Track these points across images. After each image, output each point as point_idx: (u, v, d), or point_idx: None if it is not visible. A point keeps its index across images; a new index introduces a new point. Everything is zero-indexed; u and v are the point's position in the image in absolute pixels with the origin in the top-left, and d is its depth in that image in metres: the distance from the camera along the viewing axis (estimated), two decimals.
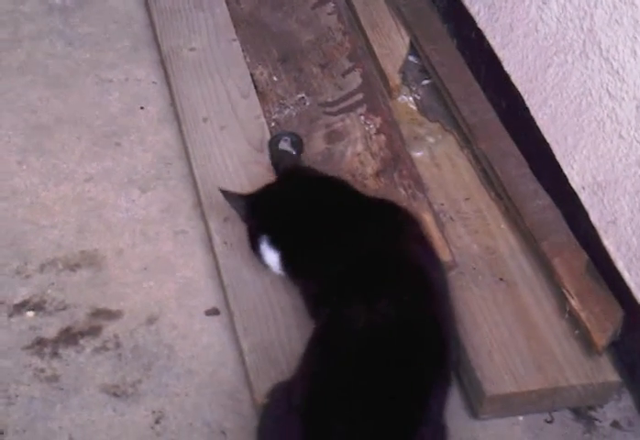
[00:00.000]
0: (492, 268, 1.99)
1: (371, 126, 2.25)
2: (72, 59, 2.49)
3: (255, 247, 1.90)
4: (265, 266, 1.91)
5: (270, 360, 1.82)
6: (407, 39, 2.47)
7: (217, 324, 1.94)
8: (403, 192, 2.09)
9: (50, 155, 2.24)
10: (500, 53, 2.23)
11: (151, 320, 1.94)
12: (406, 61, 2.44)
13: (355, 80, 2.38)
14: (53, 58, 2.49)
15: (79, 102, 2.38)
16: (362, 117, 2.28)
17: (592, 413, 1.86)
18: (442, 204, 2.11)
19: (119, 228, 2.10)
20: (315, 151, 2.21)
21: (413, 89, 2.40)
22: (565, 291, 1.90)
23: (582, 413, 1.85)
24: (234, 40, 2.48)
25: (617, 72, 1.82)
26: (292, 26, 2.54)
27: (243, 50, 2.46)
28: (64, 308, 1.94)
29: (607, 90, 1.86)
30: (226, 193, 1.94)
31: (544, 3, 2.04)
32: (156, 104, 2.39)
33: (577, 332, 1.87)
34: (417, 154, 2.23)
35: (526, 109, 2.12)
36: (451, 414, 1.82)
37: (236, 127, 2.25)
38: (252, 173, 2.15)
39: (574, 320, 1.88)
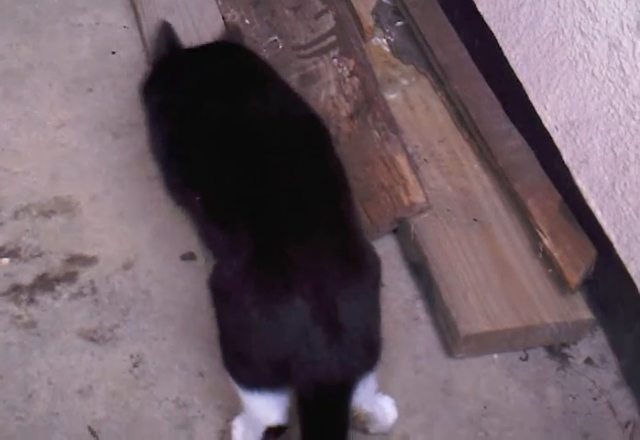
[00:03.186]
0: (466, 209, 2.00)
1: (345, 69, 2.24)
2: (42, 3, 2.46)
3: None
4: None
5: None
6: None
7: (193, 269, 1.95)
8: (377, 134, 2.09)
9: (21, 101, 2.22)
10: None
11: (127, 265, 1.94)
12: (379, 3, 2.42)
13: (328, 22, 2.36)
14: (22, 3, 2.45)
15: (49, 47, 2.35)
16: (335, 60, 2.26)
17: (566, 351, 1.88)
18: (416, 146, 2.11)
19: (93, 174, 2.09)
20: None
21: (387, 31, 2.39)
22: (538, 230, 1.91)
23: (556, 351, 1.88)
24: None
25: (589, 11, 1.82)
26: None
27: None
28: (39, 254, 1.94)
29: (579, 29, 1.86)
30: (165, 27, 1.97)
31: None
32: (127, 48, 2.37)
33: (550, 271, 1.89)
34: (391, 96, 2.22)
35: (499, 49, 2.11)
36: (427, 354, 1.86)
37: None
38: None
39: (547, 259, 1.90)
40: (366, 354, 1.54)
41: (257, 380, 1.54)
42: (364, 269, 1.56)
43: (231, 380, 1.58)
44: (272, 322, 1.47)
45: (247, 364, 1.53)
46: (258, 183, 1.58)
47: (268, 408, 1.58)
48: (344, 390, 1.51)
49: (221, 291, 1.56)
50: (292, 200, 1.56)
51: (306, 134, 1.69)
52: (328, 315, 1.48)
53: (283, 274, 1.49)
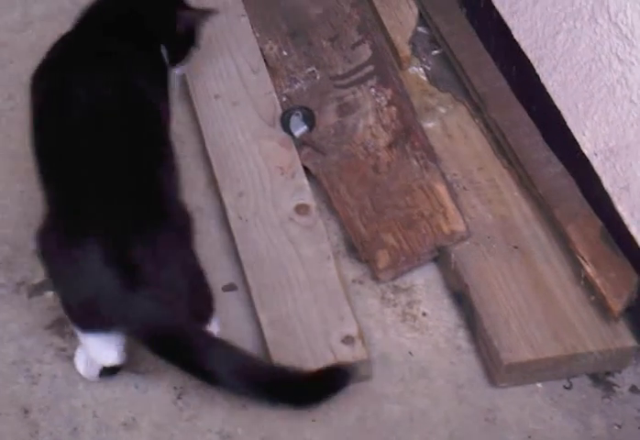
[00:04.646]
0: (507, 236, 1.99)
1: (382, 98, 2.25)
2: None
3: None
4: None
5: (287, 333, 1.84)
6: (416, 10, 2.47)
7: (235, 300, 1.96)
8: (416, 163, 2.10)
9: None
10: (509, 21, 2.22)
11: None
12: (415, 32, 2.43)
13: (365, 52, 2.37)
14: None
15: None
16: (373, 89, 2.28)
17: (611, 379, 1.87)
18: (455, 175, 2.12)
19: None
20: (327, 124, 2.22)
21: (424, 60, 2.40)
22: (579, 257, 1.90)
23: (600, 379, 1.86)
24: (243, 16, 2.47)
25: (626, 37, 1.82)
26: (300, 0, 2.53)
27: (252, 26, 2.45)
28: None
29: (616, 55, 1.85)
30: None
31: None
32: None
33: (592, 298, 1.88)
34: (429, 125, 2.23)
35: (536, 77, 2.12)
36: (470, 383, 1.85)
37: (247, 103, 2.26)
38: (265, 148, 2.16)
39: (589, 286, 1.89)
40: (179, 299, 1.65)
41: (86, 322, 1.67)
42: (164, 217, 1.68)
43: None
44: (71, 266, 1.61)
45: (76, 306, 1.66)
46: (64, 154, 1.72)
47: (102, 349, 1.71)
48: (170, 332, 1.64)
49: (38, 246, 1.69)
50: (93, 164, 1.68)
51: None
52: (121, 257, 1.59)
53: (78, 222, 1.62)
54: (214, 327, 1.77)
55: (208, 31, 2.40)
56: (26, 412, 1.77)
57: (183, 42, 2.04)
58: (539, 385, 1.85)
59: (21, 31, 2.49)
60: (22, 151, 2.16)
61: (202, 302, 1.75)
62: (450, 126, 2.23)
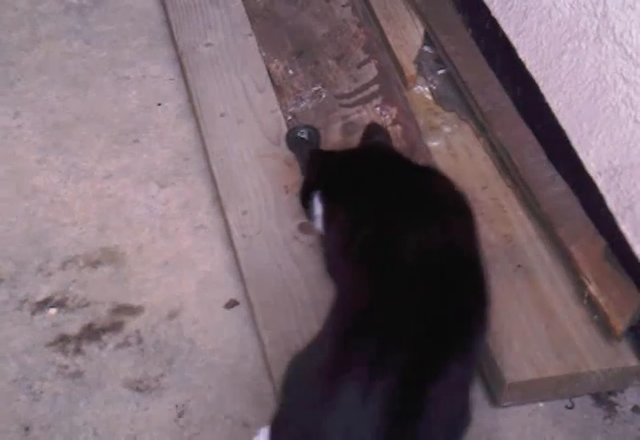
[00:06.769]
0: (510, 255, 1.99)
1: (387, 117, 2.26)
2: (90, 57, 2.51)
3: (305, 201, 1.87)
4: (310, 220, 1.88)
5: (290, 352, 1.81)
6: (422, 30, 2.47)
7: (238, 318, 1.96)
8: None
9: (70, 153, 2.26)
10: (514, 41, 2.22)
11: (172, 314, 1.95)
12: (421, 52, 2.44)
13: (370, 71, 2.38)
14: (71, 57, 2.51)
15: (97, 100, 2.40)
16: (378, 108, 2.28)
17: (613, 399, 1.86)
18: None
19: (139, 224, 2.12)
20: (333, 143, 2.23)
21: (429, 79, 2.41)
22: (583, 276, 1.90)
23: (603, 399, 1.86)
24: (249, 35, 2.49)
25: (631, 57, 1.82)
26: (306, 19, 2.55)
27: (259, 45, 2.47)
28: (86, 305, 1.96)
29: (621, 75, 1.86)
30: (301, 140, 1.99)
31: None
32: (173, 100, 2.41)
33: (595, 317, 1.87)
34: (434, 144, 2.23)
35: (541, 96, 2.12)
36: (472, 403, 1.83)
37: (253, 122, 2.26)
38: (269, 167, 2.16)
39: (592, 305, 1.88)
40: None
41: None
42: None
43: None
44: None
45: None
46: None
47: None
48: None
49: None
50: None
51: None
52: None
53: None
54: None
55: (215, 50, 2.43)
56: (26, 429, 1.77)
57: None
58: (541, 405, 1.84)
59: (29, 50, 2.51)
60: (27, 168, 2.20)
61: None
62: (455, 146, 2.24)
